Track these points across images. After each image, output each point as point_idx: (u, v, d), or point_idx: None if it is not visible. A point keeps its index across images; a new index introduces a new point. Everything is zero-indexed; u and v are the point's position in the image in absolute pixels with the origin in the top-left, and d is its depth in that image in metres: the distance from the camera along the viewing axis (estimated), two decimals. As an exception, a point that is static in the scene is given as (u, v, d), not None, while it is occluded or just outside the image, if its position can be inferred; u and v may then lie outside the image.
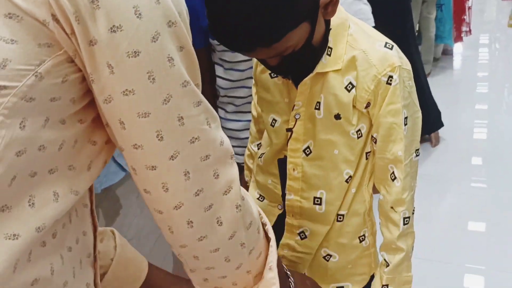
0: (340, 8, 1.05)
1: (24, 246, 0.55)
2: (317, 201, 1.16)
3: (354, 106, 1.07)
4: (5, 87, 0.53)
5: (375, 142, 1.10)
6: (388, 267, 1.11)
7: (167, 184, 0.63)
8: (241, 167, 1.14)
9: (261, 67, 1.15)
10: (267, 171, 1.25)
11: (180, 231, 0.68)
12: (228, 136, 0.71)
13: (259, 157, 1.26)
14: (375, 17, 2.47)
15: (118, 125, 0.60)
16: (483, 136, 3.72)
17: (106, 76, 0.57)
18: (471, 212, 2.84)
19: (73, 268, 0.64)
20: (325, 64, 1.06)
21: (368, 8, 2.45)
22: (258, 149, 1.32)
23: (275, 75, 1.14)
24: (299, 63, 1.03)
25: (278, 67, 1.02)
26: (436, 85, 3.88)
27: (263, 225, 0.82)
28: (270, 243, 0.83)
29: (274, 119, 1.18)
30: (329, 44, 1.05)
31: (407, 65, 1.07)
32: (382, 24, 2.58)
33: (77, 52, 0.56)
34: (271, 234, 0.84)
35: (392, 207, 1.10)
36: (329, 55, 1.06)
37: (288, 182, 1.18)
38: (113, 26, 0.55)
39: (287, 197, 1.20)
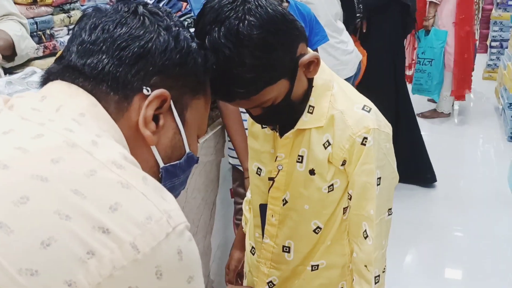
0: (325, 68, 1.09)
1: None
2: (286, 249, 1.20)
3: (330, 162, 1.10)
4: None
5: (350, 199, 1.13)
6: None
7: None
8: None
9: None
10: (256, 224, 1.28)
11: None
12: None
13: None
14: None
15: None
16: (463, 185, 3.80)
17: None
18: (448, 259, 2.89)
19: None
20: (306, 121, 1.09)
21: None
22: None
23: (265, 125, 1.17)
24: (280, 116, 1.06)
25: (260, 117, 1.06)
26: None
27: None
28: None
29: (259, 168, 1.23)
30: (311, 103, 1.08)
31: (385, 128, 1.10)
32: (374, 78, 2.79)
33: None
34: None
35: (365, 266, 1.12)
36: (311, 113, 1.09)
37: (266, 227, 1.22)
38: None
39: (264, 240, 1.23)
